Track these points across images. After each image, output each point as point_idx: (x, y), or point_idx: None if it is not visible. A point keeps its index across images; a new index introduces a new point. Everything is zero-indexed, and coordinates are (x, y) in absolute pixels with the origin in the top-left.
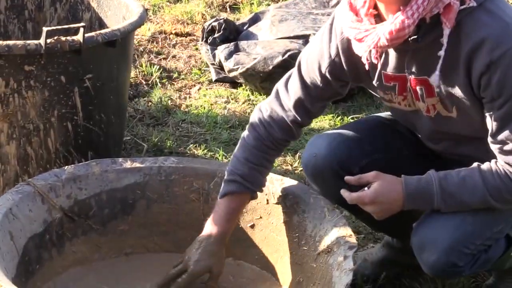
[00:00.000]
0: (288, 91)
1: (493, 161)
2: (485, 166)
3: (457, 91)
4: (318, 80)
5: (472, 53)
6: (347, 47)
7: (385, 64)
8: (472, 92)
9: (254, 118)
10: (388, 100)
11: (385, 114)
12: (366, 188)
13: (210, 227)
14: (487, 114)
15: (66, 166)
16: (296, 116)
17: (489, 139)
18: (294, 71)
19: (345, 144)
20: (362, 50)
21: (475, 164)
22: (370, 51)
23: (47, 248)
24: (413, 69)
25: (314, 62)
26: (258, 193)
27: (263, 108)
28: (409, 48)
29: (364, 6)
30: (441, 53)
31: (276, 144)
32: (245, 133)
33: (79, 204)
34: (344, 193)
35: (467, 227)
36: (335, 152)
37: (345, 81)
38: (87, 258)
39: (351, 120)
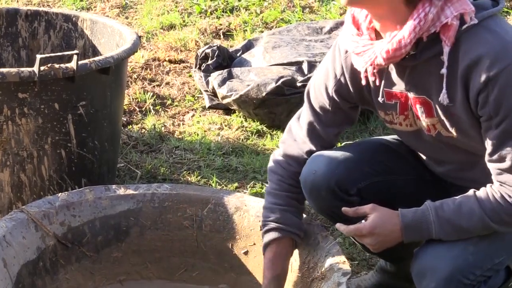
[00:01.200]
0: (300, 123)
1: (488, 185)
2: (480, 191)
3: (456, 110)
4: (326, 103)
5: (469, 70)
6: (350, 64)
7: (387, 81)
8: (470, 111)
9: (270, 164)
10: (390, 121)
11: (390, 137)
12: (363, 221)
13: (263, 281)
14: (484, 133)
15: (60, 193)
16: (311, 145)
17: (486, 158)
18: (304, 102)
19: (345, 164)
20: (360, 65)
21: (471, 191)
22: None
23: (41, 275)
24: (413, 87)
25: (321, 85)
26: (298, 234)
27: (277, 151)
28: (408, 64)
29: (366, 20)
30: (443, 71)
31: (298, 182)
32: (268, 184)
33: (73, 231)
34: (340, 226)
35: (468, 257)
36: (334, 171)
37: (353, 103)
38: (81, 285)
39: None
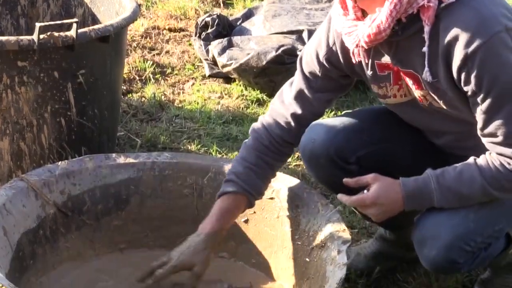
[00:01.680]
0: (291, 87)
1: (487, 153)
2: (480, 158)
3: (441, 85)
4: (317, 70)
5: (449, 47)
6: (341, 37)
7: (376, 54)
8: (455, 86)
9: (256, 122)
10: (383, 95)
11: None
12: (365, 191)
13: (200, 227)
14: (473, 108)
15: (60, 162)
16: (297, 108)
17: (479, 132)
18: (297, 67)
19: (344, 132)
20: (349, 44)
21: (471, 158)
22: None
23: (41, 243)
24: (399, 62)
25: (312, 52)
26: (254, 196)
27: (266, 113)
28: (392, 39)
29: None
30: (425, 49)
31: (275, 145)
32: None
33: (73, 199)
34: (342, 197)
35: (469, 224)
36: (333, 140)
37: (344, 72)
38: (81, 254)
39: None
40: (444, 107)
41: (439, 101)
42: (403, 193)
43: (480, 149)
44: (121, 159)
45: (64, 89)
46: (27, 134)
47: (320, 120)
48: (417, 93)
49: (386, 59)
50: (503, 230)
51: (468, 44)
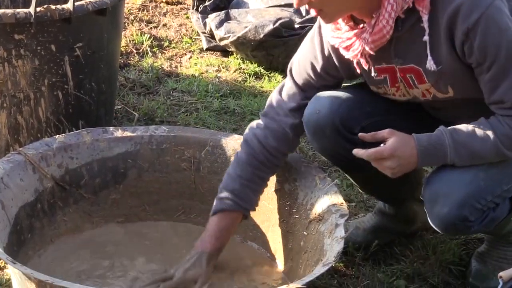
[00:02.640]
0: (283, 97)
1: (497, 115)
2: (491, 118)
3: (446, 68)
4: (314, 81)
5: (451, 25)
6: (336, 48)
7: (376, 58)
8: (460, 61)
9: (247, 132)
10: (383, 93)
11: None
12: (382, 145)
13: (200, 245)
14: (479, 79)
15: (57, 135)
16: (294, 119)
17: (486, 101)
18: (287, 78)
19: (348, 103)
20: (350, 56)
21: (482, 118)
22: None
23: (39, 217)
24: (400, 58)
25: (307, 64)
26: (249, 210)
27: (256, 122)
28: (392, 36)
29: None
30: (426, 38)
31: (270, 158)
32: (239, 150)
33: (70, 173)
34: (359, 151)
35: (480, 183)
36: (338, 110)
37: (340, 78)
38: (79, 227)
39: None
40: (452, 93)
41: (445, 88)
42: (418, 148)
43: (481, 114)
44: (119, 133)
45: (61, 62)
46: (24, 108)
47: (324, 92)
48: (421, 88)
49: (384, 62)
50: (510, 191)
51: (467, 18)
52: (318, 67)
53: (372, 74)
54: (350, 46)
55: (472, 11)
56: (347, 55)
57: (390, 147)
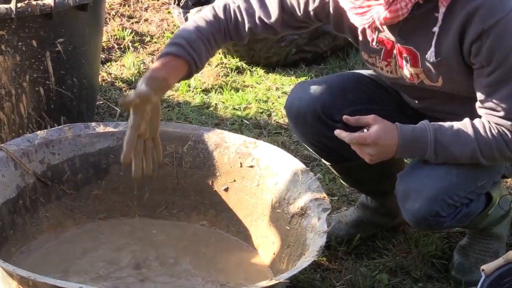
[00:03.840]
0: (261, 2)
1: (484, 119)
2: (477, 121)
3: (444, 61)
4: (299, 13)
5: (466, 22)
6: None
7: (379, 29)
8: (462, 60)
9: (220, 3)
10: (372, 63)
11: (370, 71)
12: (365, 130)
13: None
14: (476, 80)
15: (39, 131)
16: (256, 27)
17: (478, 104)
18: None
19: (330, 90)
20: (356, 23)
21: (466, 119)
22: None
23: (21, 213)
24: (403, 37)
25: None
26: (197, 66)
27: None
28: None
29: None
30: (436, 29)
31: (225, 33)
32: (204, 11)
33: (52, 169)
34: (341, 133)
35: (452, 178)
36: (319, 97)
37: (323, 22)
38: (61, 223)
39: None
40: (440, 83)
41: (436, 77)
42: (400, 139)
43: (459, 114)
44: (101, 128)
45: (42, 58)
46: (5, 104)
47: (305, 81)
48: (411, 70)
49: (384, 34)
50: (484, 187)
51: (484, 19)
52: (311, 6)
53: (372, 43)
54: (360, 14)
55: (491, 13)
56: (355, 21)
57: (374, 135)
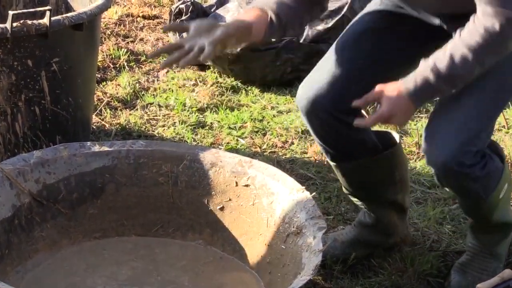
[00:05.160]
0: None
1: (470, 20)
2: (464, 31)
3: None
4: None
5: None
6: None
7: None
8: None
9: None
10: None
11: (369, 10)
12: (377, 106)
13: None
14: None
15: (34, 151)
16: None
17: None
18: None
19: (336, 86)
20: None
21: (455, 36)
22: None
23: (16, 232)
24: None
25: None
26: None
27: None
28: None
29: None
30: None
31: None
32: None
33: (48, 188)
34: (361, 122)
35: (471, 124)
36: (327, 96)
37: None
38: (57, 243)
39: None
40: None
41: None
42: (409, 98)
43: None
44: (96, 147)
45: (38, 78)
46: (1, 123)
47: (309, 77)
48: None
49: None
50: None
51: None
52: None
53: None
54: None
55: None
56: None
57: (387, 109)
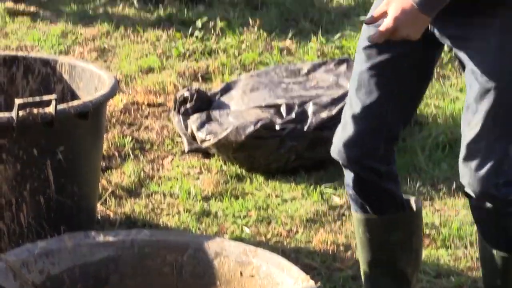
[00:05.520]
0: None
1: None
2: None
3: None
4: None
5: None
6: None
7: None
8: None
9: None
10: None
11: (362, 66)
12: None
13: None
14: None
15: (39, 241)
16: None
17: None
18: None
19: (360, 136)
20: None
21: None
22: None
23: None
24: None
25: None
26: None
27: None
28: None
29: None
30: None
31: None
32: None
33: (52, 279)
34: (373, 37)
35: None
36: (356, 149)
37: None
38: None
39: (325, 189)
40: None
41: None
42: (417, 5)
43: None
44: (101, 237)
45: (43, 166)
46: (6, 213)
47: (339, 126)
48: None
49: None
50: None
51: None
52: None
53: None
54: None
55: None
56: None
57: (390, 17)
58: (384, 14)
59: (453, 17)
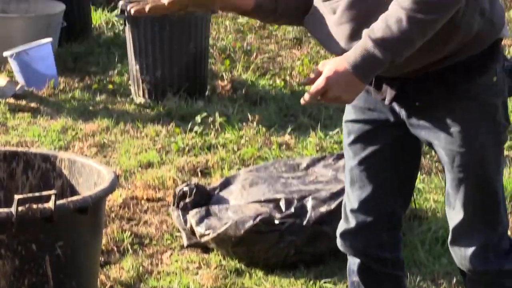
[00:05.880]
0: None
1: None
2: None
3: None
4: None
5: None
6: None
7: None
8: None
9: None
10: None
11: (351, 162)
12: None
13: None
14: None
15: None
16: None
17: None
18: None
19: (360, 227)
20: None
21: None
22: None
23: None
24: None
25: None
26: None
27: None
28: None
29: None
30: None
31: None
32: None
33: None
34: (304, 97)
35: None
36: (358, 241)
37: None
38: None
39: (324, 284)
40: None
41: None
42: (351, 68)
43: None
44: None
45: (42, 262)
46: None
47: (341, 219)
48: None
49: None
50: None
51: None
52: None
53: None
54: None
55: None
56: None
57: (323, 77)
58: (319, 75)
59: (413, 108)
